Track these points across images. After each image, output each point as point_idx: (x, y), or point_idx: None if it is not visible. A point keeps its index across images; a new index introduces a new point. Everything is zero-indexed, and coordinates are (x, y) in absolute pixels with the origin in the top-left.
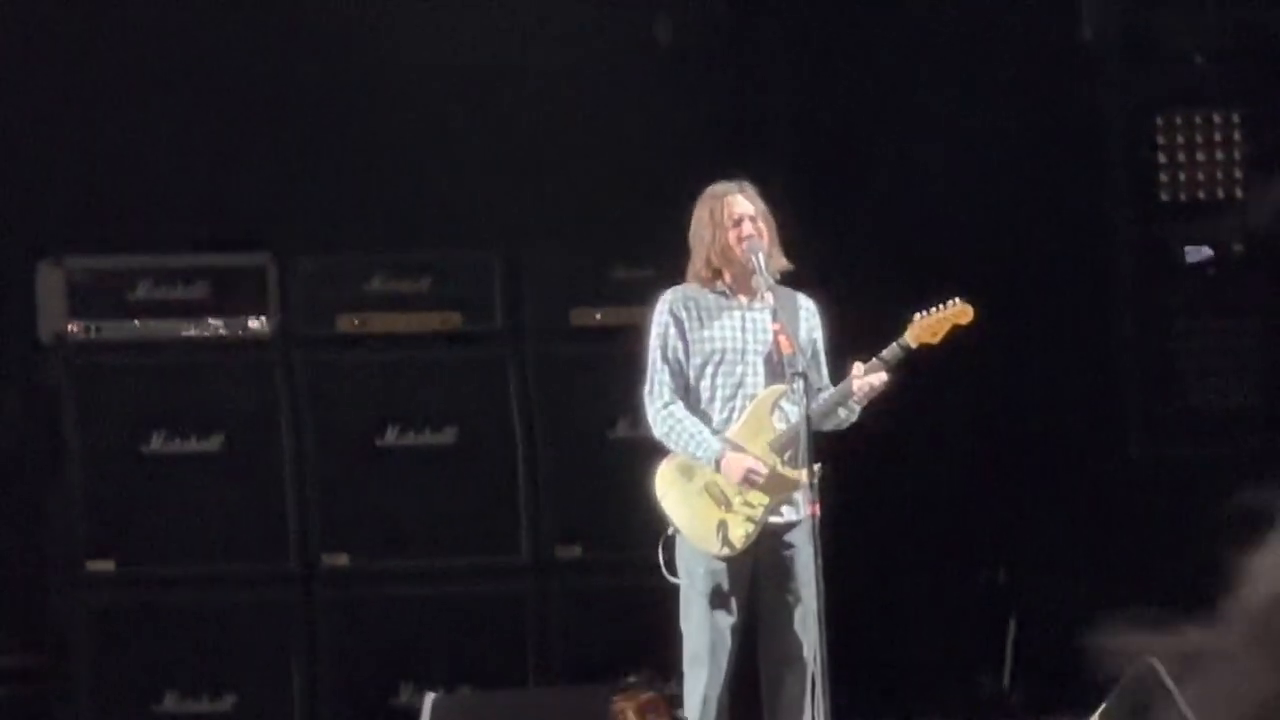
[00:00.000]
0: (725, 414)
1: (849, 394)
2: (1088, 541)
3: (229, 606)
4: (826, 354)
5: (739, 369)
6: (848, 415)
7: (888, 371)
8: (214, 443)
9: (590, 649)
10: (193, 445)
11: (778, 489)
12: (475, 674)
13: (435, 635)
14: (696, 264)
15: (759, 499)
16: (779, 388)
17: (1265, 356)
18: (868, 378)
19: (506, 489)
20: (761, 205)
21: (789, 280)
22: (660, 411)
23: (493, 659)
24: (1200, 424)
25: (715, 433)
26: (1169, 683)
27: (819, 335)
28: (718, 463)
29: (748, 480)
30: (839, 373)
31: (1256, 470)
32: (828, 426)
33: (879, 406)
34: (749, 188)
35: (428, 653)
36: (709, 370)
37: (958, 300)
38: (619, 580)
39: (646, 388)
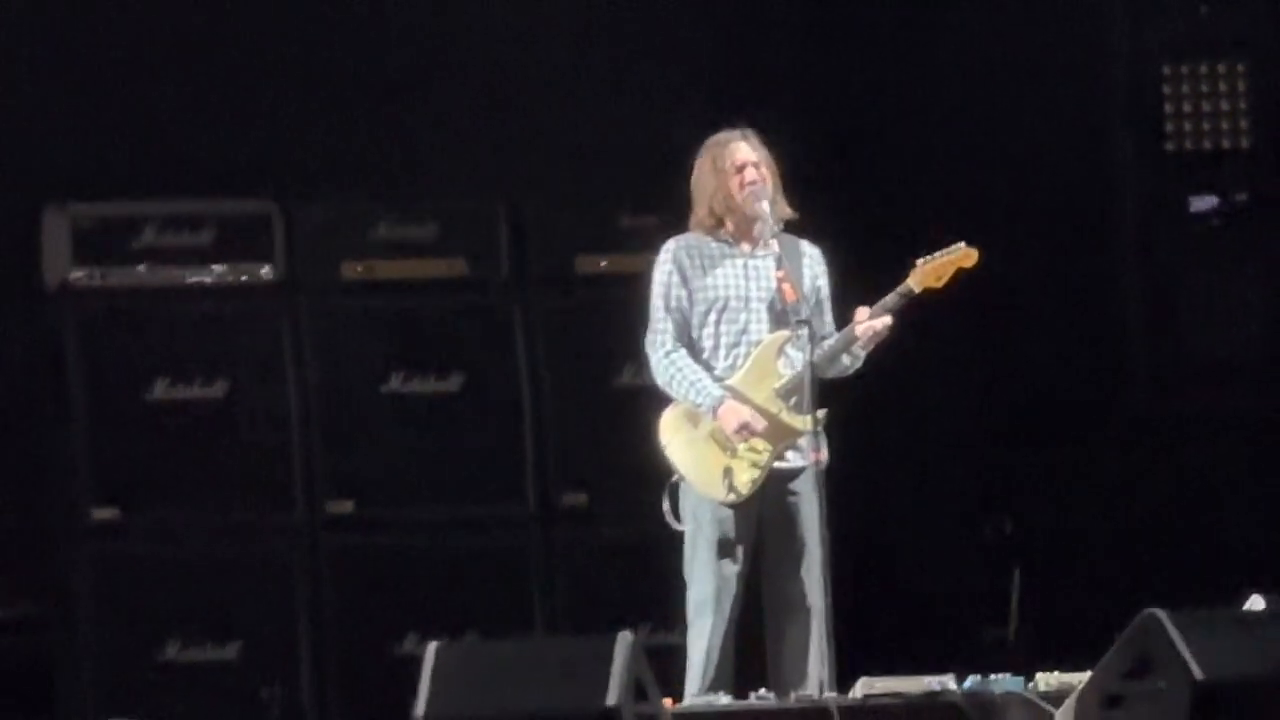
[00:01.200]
0: (729, 361)
1: (853, 339)
2: (1092, 492)
3: (234, 554)
4: (832, 300)
5: (742, 316)
6: (852, 362)
7: (891, 316)
8: (218, 389)
9: (596, 597)
10: (197, 392)
11: (780, 437)
12: (480, 622)
13: (440, 583)
14: (699, 212)
15: (764, 444)
16: (784, 334)
17: (1271, 307)
18: (871, 322)
19: (512, 436)
20: (764, 153)
21: (793, 227)
22: (662, 360)
23: (498, 607)
24: (1205, 374)
25: (718, 380)
26: (1174, 634)
27: (824, 282)
28: (715, 411)
29: (742, 432)
30: (844, 319)
31: (1259, 422)
32: (832, 373)
33: (883, 355)
34: (752, 135)
35: (432, 601)
36: (712, 318)
37: (962, 244)
38: (624, 528)
39: (649, 336)
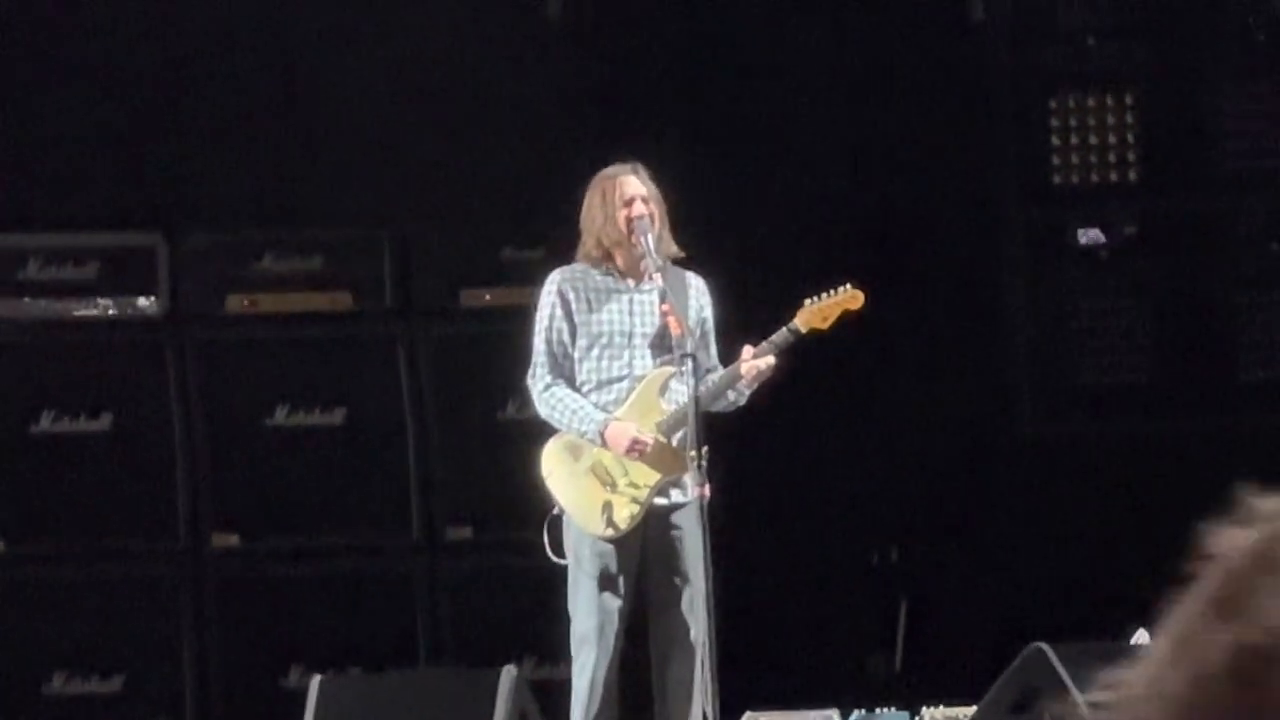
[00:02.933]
0: (612, 396)
1: (737, 377)
2: (979, 522)
3: (118, 586)
4: (717, 336)
5: (626, 353)
6: (736, 398)
7: (776, 356)
8: (103, 422)
9: (480, 630)
10: (82, 425)
11: (667, 466)
12: (364, 655)
13: (325, 616)
14: (587, 244)
15: (644, 479)
16: (668, 369)
17: (1155, 337)
18: (755, 361)
19: (396, 469)
20: (654, 188)
21: (680, 262)
22: (543, 394)
23: (382, 640)
24: (1090, 403)
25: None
26: (1059, 667)
27: (709, 314)
28: (602, 435)
29: (633, 449)
30: (731, 357)
31: (1145, 449)
32: (717, 408)
33: (769, 386)
34: (642, 170)
35: (317, 633)
36: (594, 354)
37: (849, 286)
38: (509, 561)
39: (529, 371)
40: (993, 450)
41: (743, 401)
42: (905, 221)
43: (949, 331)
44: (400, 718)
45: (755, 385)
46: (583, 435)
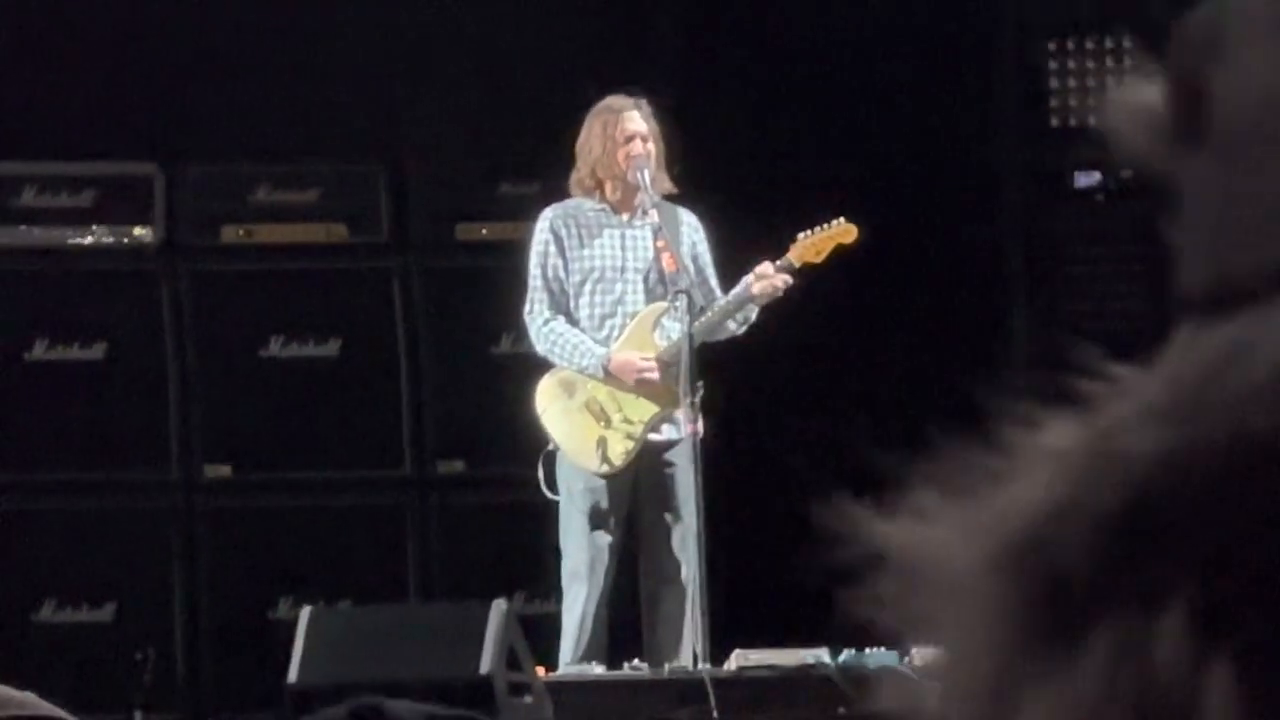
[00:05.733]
0: (605, 332)
1: (748, 297)
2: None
3: (110, 516)
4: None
5: (618, 287)
6: (742, 322)
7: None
8: (97, 351)
9: (471, 564)
10: (76, 353)
11: (661, 401)
12: (355, 588)
13: (316, 548)
14: (581, 173)
15: (639, 415)
16: (660, 305)
17: (1151, 281)
18: (773, 278)
19: (389, 402)
20: (655, 125)
21: (674, 197)
22: (541, 329)
23: (373, 573)
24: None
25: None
26: None
27: (703, 248)
28: (605, 368)
29: (642, 376)
30: (726, 291)
31: None
32: (718, 337)
33: (767, 325)
34: (645, 106)
35: (308, 565)
36: (587, 288)
37: (842, 220)
38: (500, 496)
39: (526, 306)
40: (983, 391)
41: (752, 318)
42: (902, 163)
43: (944, 274)
44: (389, 650)
45: (765, 302)
46: (583, 370)
